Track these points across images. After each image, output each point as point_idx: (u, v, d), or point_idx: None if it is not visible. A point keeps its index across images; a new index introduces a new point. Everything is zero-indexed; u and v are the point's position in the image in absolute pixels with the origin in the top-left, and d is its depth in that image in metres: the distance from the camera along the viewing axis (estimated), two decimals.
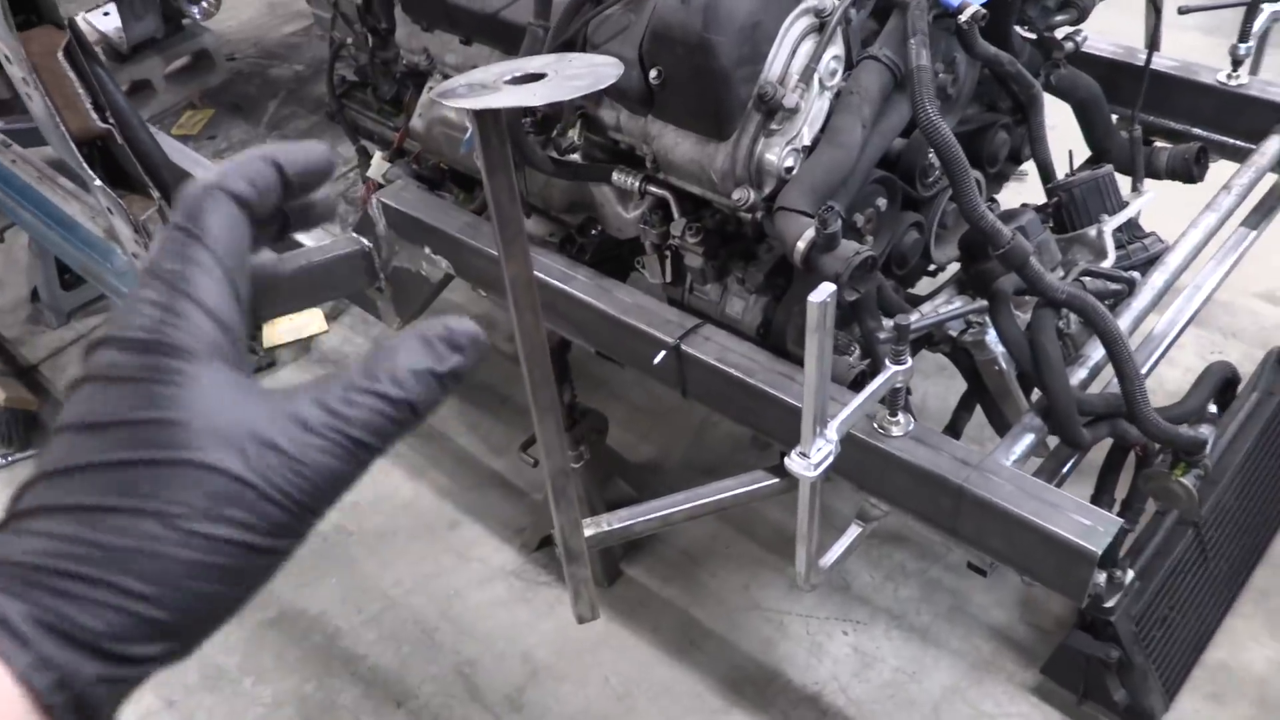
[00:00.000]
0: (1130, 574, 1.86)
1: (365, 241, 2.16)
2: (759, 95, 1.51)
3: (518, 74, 1.29)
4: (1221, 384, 2.23)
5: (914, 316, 1.51)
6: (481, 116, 1.25)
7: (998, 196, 2.11)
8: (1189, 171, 2.06)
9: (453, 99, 1.24)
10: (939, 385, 2.51)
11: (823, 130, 1.58)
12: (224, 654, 2.25)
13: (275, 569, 0.46)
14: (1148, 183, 2.05)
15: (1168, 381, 2.53)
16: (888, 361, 1.40)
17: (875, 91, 1.56)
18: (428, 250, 2.06)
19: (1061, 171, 2.00)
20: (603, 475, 2.30)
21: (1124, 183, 1.99)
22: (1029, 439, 1.53)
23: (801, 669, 2.10)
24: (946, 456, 1.45)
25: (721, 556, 2.32)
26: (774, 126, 1.54)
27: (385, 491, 2.56)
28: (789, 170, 1.56)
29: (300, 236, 2.27)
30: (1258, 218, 2.05)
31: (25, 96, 1.88)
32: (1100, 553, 1.31)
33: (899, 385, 1.42)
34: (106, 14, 3.30)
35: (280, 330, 3.04)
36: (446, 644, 2.23)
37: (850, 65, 1.61)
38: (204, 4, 3.80)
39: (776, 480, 1.58)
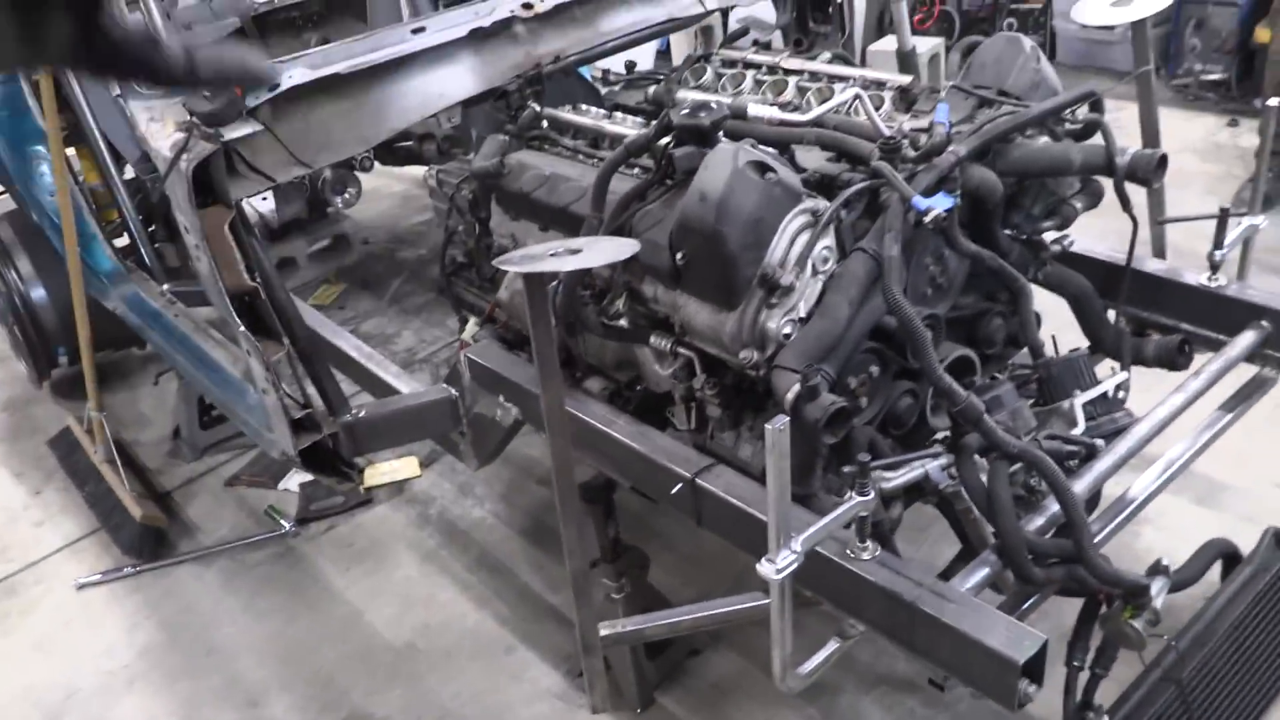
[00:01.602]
0: (1105, 719, 2.02)
1: (453, 391, 2.56)
2: (762, 275, 1.87)
3: (559, 249, 1.71)
4: (1220, 557, 2.41)
5: (867, 458, 1.79)
6: (529, 279, 1.66)
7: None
8: (1173, 360, 2.32)
9: (509, 264, 1.66)
10: None
11: (817, 306, 1.92)
12: None
13: None
14: (1135, 371, 2.31)
15: (1181, 560, 2.67)
16: (852, 493, 1.68)
17: (861, 275, 1.90)
18: (501, 398, 2.44)
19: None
20: (643, 609, 2.55)
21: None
22: (983, 571, 1.77)
23: None
24: (904, 579, 1.70)
25: (748, 694, 2.52)
26: (774, 301, 1.89)
27: (453, 616, 2.86)
28: (786, 336, 1.89)
29: (396, 384, 2.69)
30: (1235, 402, 2.27)
31: (195, 259, 2.37)
32: (1022, 661, 1.53)
33: (863, 515, 1.70)
34: (265, 199, 3.93)
35: (380, 472, 3.45)
36: None
37: (845, 255, 1.96)
38: (346, 195, 4.44)
39: (764, 601, 1.84)
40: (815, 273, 1.92)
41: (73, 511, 3.50)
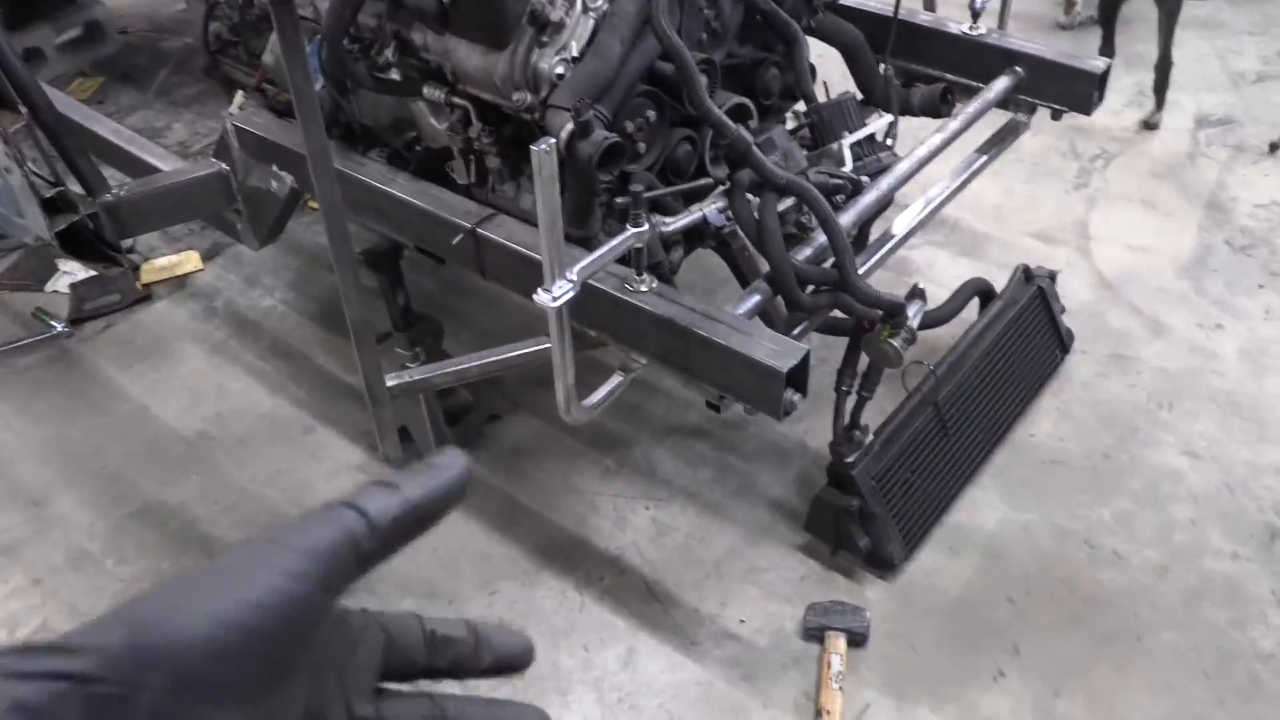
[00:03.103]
0: (870, 437, 2.19)
1: (223, 165, 2.42)
2: (531, 11, 1.82)
3: None
4: (977, 294, 2.60)
5: (640, 187, 1.82)
6: (275, 5, 1.54)
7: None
8: (936, 108, 2.42)
9: None
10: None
11: (589, 45, 1.89)
12: (88, 540, 2.47)
13: None
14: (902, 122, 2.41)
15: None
16: (628, 226, 1.71)
17: (633, 13, 1.87)
18: (274, 167, 2.33)
19: None
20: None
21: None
22: (756, 299, 1.85)
23: (606, 538, 2.39)
24: (680, 307, 1.76)
25: (545, 452, 2.61)
26: (544, 39, 1.85)
27: (247, 404, 2.80)
28: (560, 76, 1.86)
29: (161, 165, 2.53)
30: (990, 146, 2.41)
31: None
32: (785, 371, 1.63)
33: (637, 246, 1.73)
34: None
35: (158, 268, 3.27)
36: (281, 516, 2.47)
37: None
38: None
39: (545, 346, 1.88)
40: (586, 10, 1.88)
41: None
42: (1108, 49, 3.67)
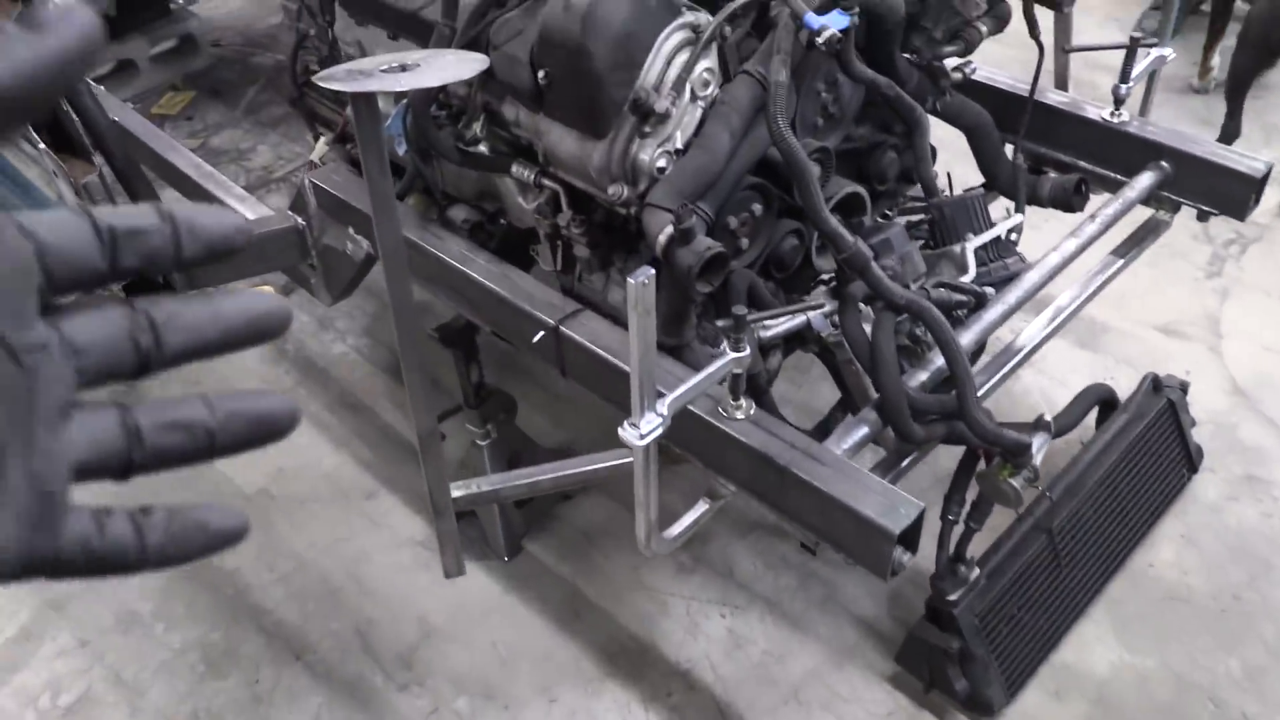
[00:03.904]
0: (976, 571, 1.99)
1: (299, 219, 2.30)
2: (634, 100, 1.65)
3: (393, 64, 1.45)
4: (1098, 403, 2.38)
5: (751, 312, 1.64)
6: (355, 99, 1.40)
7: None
8: (1068, 201, 2.20)
9: (331, 82, 1.40)
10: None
11: (696, 136, 1.71)
12: (139, 600, 2.38)
13: None
14: (1030, 211, 2.19)
15: (1058, 402, 2.65)
16: (726, 348, 1.53)
17: (745, 103, 1.69)
18: (350, 230, 2.20)
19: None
20: (509, 455, 2.43)
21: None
22: (862, 431, 1.66)
23: (677, 646, 2.22)
24: (778, 440, 1.57)
25: (616, 538, 2.45)
26: (647, 129, 1.68)
27: (310, 460, 2.69)
28: (661, 170, 1.69)
29: (240, 209, 2.42)
30: (1129, 247, 2.18)
31: None
32: (898, 531, 1.44)
33: (736, 372, 1.55)
34: None
35: None
36: (349, 603, 2.35)
37: (728, 78, 1.74)
38: None
39: (628, 459, 1.71)
40: (694, 98, 1.70)
41: None
42: (1233, 122, 3.39)
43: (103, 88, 2.85)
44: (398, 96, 2.03)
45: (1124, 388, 2.44)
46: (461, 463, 2.46)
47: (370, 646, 2.27)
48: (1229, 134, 3.40)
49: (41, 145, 2.04)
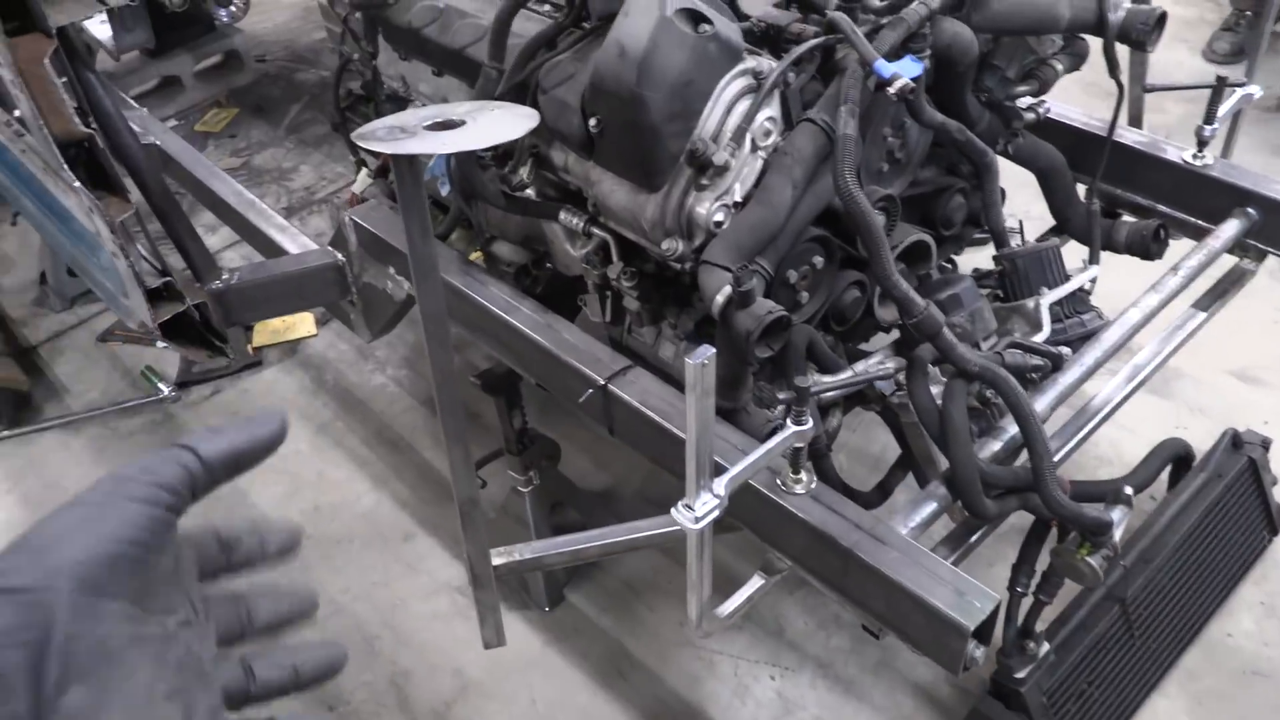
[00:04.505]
0: (1045, 647, 1.87)
1: (339, 255, 2.22)
2: (690, 151, 1.55)
3: (437, 120, 1.36)
4: (1173, 460, 2.24)
5: (813, 380, 1.54)
6: (397, 160, 1.31)
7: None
8: (1146, 248, 2.08)
9: (371, 141, 1.31)
10: None
11: (755, 188, 1.61)
12: None
13: None
14: (1104, 256, 2.07)
15: (1126, 453, 2.53)
16: (788, 422, 1.43)
17: (809, 153, 1.59)
18: (391, 270, 2.13)
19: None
20: (552, 501, 2.34)
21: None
22: (931, 507, 1.55)
23: (724, 709, 2.12)
24: (840, 519, 1.47)
25: (662, 591, 2.35)
26: (704, 181, 1.58)
27: (347, 498, 2.62)
28: (718, 224, 1.60)
29: (281, 240, 2.36)
30: (1210, 299, 2.05)
31: (15, 98, 1.96)
32: (973, 627, 1.33)
33: (798, 446, 1.46)
34: (102, 22, 3.40)
35: (271, 329, 3.12)
36: (384, 652, 2.28)
37: (790, 126, 1.64)
38: (232, 7, 3.91)
39: (679, 528, 1.61)
40: (755, 148, 1.60)
41: None
42: None
43: (145, 110, 2.80)
44: None
45: (1197, 437, 2.31)
46: (502, 507, 2.38)
47: (405, 700, 2.19)
48: None
49: (76, 183, 1.98)
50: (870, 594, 1.45)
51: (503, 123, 1.37)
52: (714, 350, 1.21)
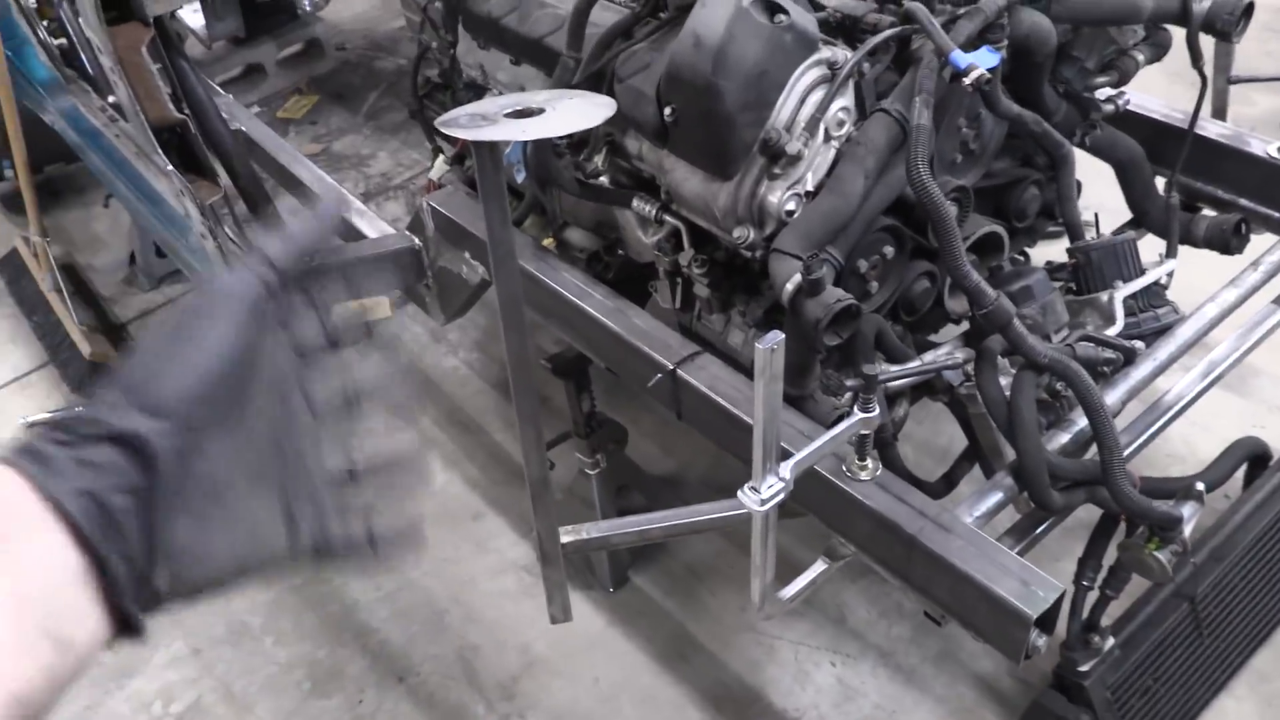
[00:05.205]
0: (1110, 641, 1.86)
1: (416, 240, 2.28)
2: (763, 141, 1.57)
3: (517, 108, 1.40)
4: (1249, 459, 2.21)
5: (881, 368, 1.55)
6: (478, 147, 1.36)
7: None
8: (1226, 242, 2.04)
9: (453, 128, 1.35)
10: None
11: (828, 177, 1.63)
12: (250, 612, 2.40)
13: None
14: (1182, 250, 2.04)
15: (1201, 450, 2.48)
16: (855, 409, 1.45)
17: (882, 144, 1.60)
18: (467, 255, 2.18)
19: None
20: (618, 484, 2.38)
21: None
22: (997, 497, 1.56)
23: (784, 694, 2.14)
24: (906, 506, 1.49)
25: (724, 576, 2.38)
26: (777, 171, 1.60)
27: None
28: (789, 213, 1.62)
29: (360, 224, 2.42)
30: None
31: (113, 84, 2.05)
32: (1036, 616, 1.34)
33: (864, 433, 1.47)
34: (195, 11, 3.52)
35: (348, 311, 3.20)
36: (453, 627, 2.34)
37: (864, 115, 1.65)
38: None
39: (744, 510, 1.64)
40: (828, 138, 1.62)
41: (21, 341, 3.28)
42: None
43: (231, 96, 2.90)
44: None
45: (1276, 436, 2.26)
46: (569, 489, 2.43)
47: (473, 673, 2.25)
48: None
49: (169, 166, 2.06)
50: (934, 581, 1.46)
51: (581, 111, 1.41)
52: (783, 336, 1.23)
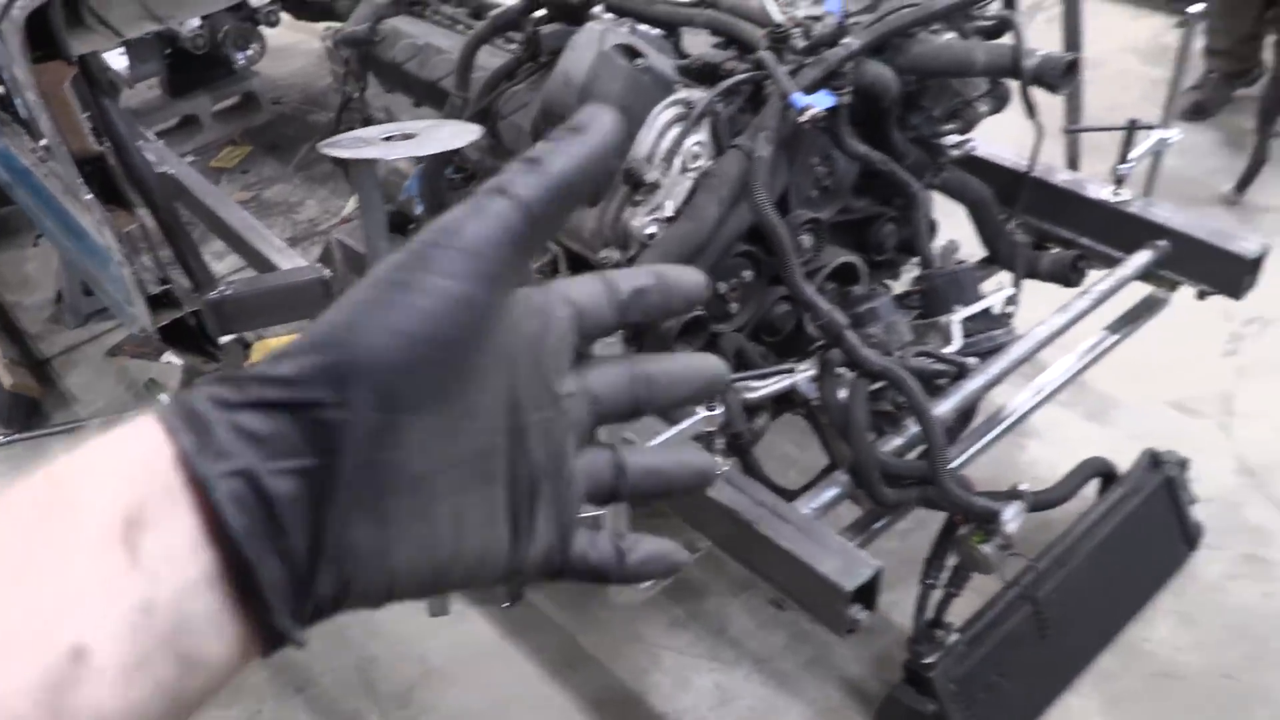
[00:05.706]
0: (955, 636, 2.01)
1: (326, 271, 2.43)
2: (626, 170, 1.75)
3: (393, 133, 1.57)
4: (1096, 475, 2.39)
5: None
6: (352, 165, 1.53)
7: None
8: (1065, 276, 2.26)
9: (333, 149, 1.52)
10: None
11: (685, 204, 1.80)
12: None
13: None
14: (1033, 285, 2.25)
15: (1061, 476, 2.66)
16: (699, 409, 1.60)
17: (733, 174, 1.78)
18: None
19: None
20: None
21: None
22: (833, 491, 1.72)
23: (665, 698, 2.26)
24: (748, 498, 1.64)
25: (616, 590, 2.50)
26: (638, 198, 1.77)
27: None
28: (650, 237, 1.78)
29: (277, 259, 2.56)
30: (1124, 323, 2.22)
31: (36, 118, 2.19)
32: (852, 589, 1.49)
33: (709, 430, 1.63)
34: (121, 52, 3.69)
35: (270, 347, 3.32)
36: (355, 640, 2.43)
37: (721, 151, 1.84)
38: (249, 52, 4.18)
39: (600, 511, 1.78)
40: (685, 170, 1.80)
41: None
42: (1260, 151, 3.42)
43: (162, 142, 3.04)
44: (417, 160, 2.16)
45: (1131, 461, 2.45)
46: None
47: (370, 683, 2.35)
48: (1256, 160, 3.44)
49: (88, 195, 2.19)
50: (771, 564, 1.61)
51: (447, 135, 1.58)
52: (620, 334, 1.39)
